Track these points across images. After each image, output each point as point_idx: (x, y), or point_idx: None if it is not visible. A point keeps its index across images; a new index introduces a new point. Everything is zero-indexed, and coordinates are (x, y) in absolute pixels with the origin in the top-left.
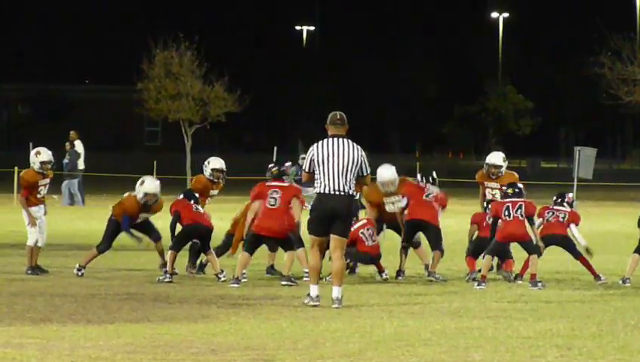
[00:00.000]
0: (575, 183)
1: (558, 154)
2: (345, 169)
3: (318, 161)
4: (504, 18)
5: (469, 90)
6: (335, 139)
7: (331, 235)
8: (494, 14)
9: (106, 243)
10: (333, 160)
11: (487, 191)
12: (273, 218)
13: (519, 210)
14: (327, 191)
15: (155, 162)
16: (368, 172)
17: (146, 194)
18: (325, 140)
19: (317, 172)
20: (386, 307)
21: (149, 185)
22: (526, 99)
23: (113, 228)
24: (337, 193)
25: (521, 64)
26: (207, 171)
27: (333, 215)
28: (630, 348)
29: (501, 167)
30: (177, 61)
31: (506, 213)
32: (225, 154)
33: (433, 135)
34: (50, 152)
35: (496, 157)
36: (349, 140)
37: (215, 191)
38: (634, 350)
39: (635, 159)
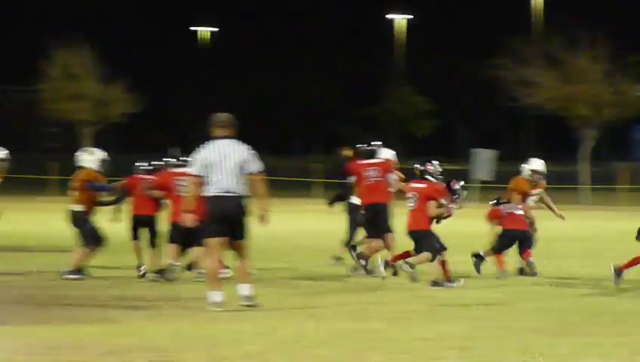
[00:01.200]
0: (475, 185)
1: (458, 155)
2: (234, 169)
3: (206, 163)
4: (405, 20)
5: (369, 92)
6: (221, 140)
7: (231, 239)
8: (395, 16)
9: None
10: (222, 161)
11: (531, 199)
12: None
13: None
14: (218, 193)
15: (49, 163)
16: (258, 169)
17: None
18: (211, 143)
19: (208, 174)
20: (286, 308)
21: None
22: (426, 101)
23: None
24: (229, 194)
25: (422, 66)
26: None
27: (227, 217)
28: (529, 349)
29: (544, 173)
30: (76, 62)
31: None
32: (125, 155)
33: (334, 136)
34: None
35: (541, 164)
36: (236, 140)
37: None
38: (533, 351)
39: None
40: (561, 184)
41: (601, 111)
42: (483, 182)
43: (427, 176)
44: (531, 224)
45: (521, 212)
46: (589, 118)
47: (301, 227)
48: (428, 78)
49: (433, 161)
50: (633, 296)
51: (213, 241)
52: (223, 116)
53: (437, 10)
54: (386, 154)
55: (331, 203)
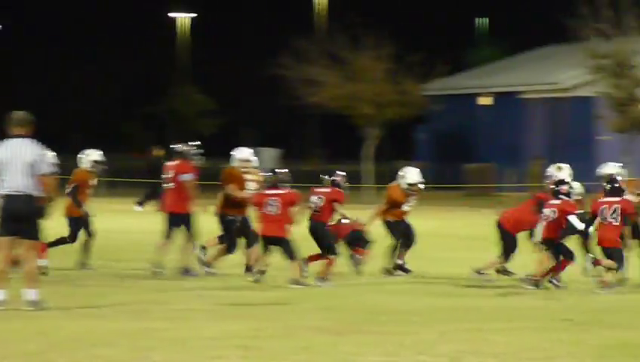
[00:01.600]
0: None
1: None
2: (24, 169)
3: (1, 162)
4: (188, 18)
5: (153, 90)
6: (15, 139)
7: (20, 238)
8: (178, 14)
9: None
10: (14, 160)
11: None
12: None
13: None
14: (9, 192)
15: None
16: (48, 171)
17: None
18: (6, 141)
19: (1, 173)
20: (69, 308)
21: None
22: (209, 100)
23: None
24: (19, 193)
25: (205, 64)
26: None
27: (16, 216)
28: (312, 348)
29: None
30: None
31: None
32: None
33: (117, 135)
34: None
35: (417, 174)
36: (30, 140)
37: None
38: (316, 350)
39: (318, 160)
40: (345, 183)
41: (384, 111)
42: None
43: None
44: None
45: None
46: (372, 117)
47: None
48: (211, 76)
49: (338, 172)
50: (416, 294)
51: (3, 240)
52: (20, 114)
53: (220, 9)
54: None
55: (141, 203)
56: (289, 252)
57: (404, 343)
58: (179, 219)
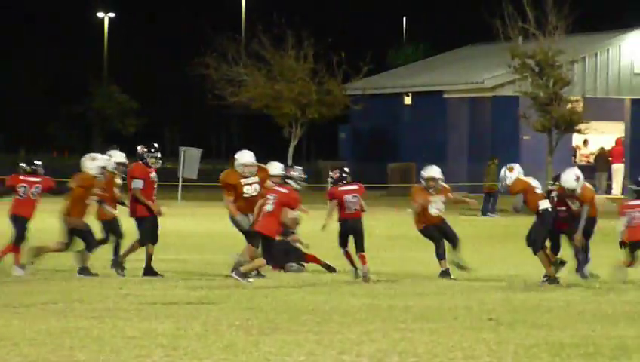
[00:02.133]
0: (180, 183)
1: (164, 153)
2: None
3: None
4: (110, 18)
5: (75, 90)
6: None
7: None
8: (100, 14)
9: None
10: None
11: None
12: None
13: None
14: None
15: None
16: None
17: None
18: None
19: None
20: None
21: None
22: (131, 99)
23: None
24: None
25: (127, 64)
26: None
27: None
28: (234, 347)
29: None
30: None
31: None
32: None
33: (39, 134)
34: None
35: (438, 172)
36: None
37: None
38: (238, 350)
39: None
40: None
41: (307, 111)
42: (188, 180)
43: (289, 181)
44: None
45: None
46: (295, 116)
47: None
48: (134, 76)
49: (296, 167)
50: (340, 294)
51: None
52: None
53: (144, 9)
54: (120, 158)
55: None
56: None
57: (327, 343)
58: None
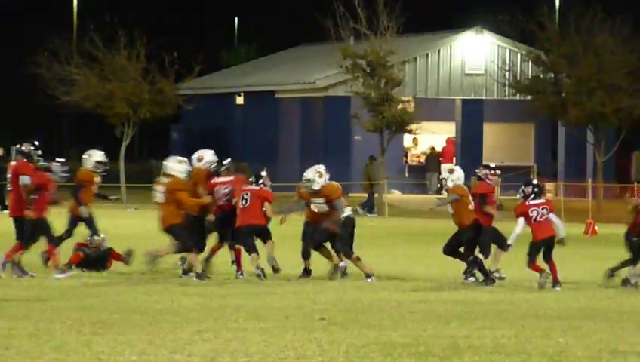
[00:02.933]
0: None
1: None
2: None
3: None
4: None
5: None
6: None
7: None
8: None
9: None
10: None
11: None
12: None
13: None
14: None
15: None
16: None
17: None
18: None
19: None
20: None
21: None
22: None
23: None
24: None
25: None
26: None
27: None
28: (67, 347)
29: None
30: None
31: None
32: None
33: None
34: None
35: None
36: None
37: None
38: (70, 349)
39: (72, 159)
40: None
41: (139, 110)
42: None
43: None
44: None
45: None
46: (127, 116)
47: None
48: None
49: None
50: (172, 294)
51: None
52: None
53: None
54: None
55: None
56: None
57: (159, 342)
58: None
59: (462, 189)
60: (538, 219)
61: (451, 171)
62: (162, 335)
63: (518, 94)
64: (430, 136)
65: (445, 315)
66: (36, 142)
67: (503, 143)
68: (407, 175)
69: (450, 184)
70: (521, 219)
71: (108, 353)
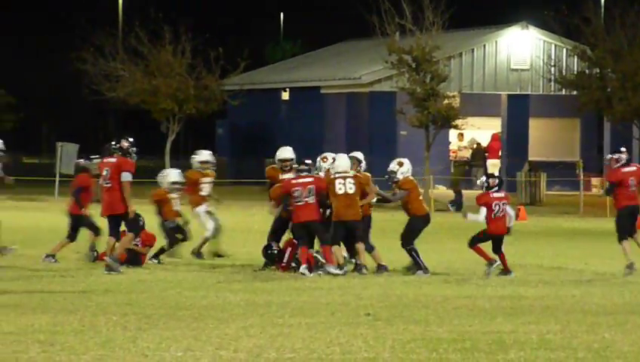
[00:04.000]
0: (57, 178)
1: (43, 149)
2: None
3: None
4: None
5: None
6: None
7: None
8: None
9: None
10: None
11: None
12: None
13: None
14: None
15: None
16: None
17: None
18: None
19: None
20: None
21: None
22: (7, 95)
23: None
24: None
25: (3, 58)
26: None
27: None
28: (112, 343)
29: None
30: None
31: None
32: None
33: None
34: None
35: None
36: None
37: None
38: (115, 345)
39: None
40: (151, 178)
41: (184, 106)
42: (66, 175)
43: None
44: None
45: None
46: (172, 112)
47: None
48: (11, 71)
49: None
50: (217, 290)
51: None
52: None
53: (20, 2)
54: None
55: None
56: None
57: (204, 339)
58: None
59: (411, 183)
60: (498, 214)
61: (400, 164)
62: (208, 331)
63: (563, 89)
64: (476, 132)
65: (491, 310)
66: (131, 139)
67: (548, 138)
68: (451, 170)
69: (400, 176)
70: (484, 209)
71: (153, 349)
